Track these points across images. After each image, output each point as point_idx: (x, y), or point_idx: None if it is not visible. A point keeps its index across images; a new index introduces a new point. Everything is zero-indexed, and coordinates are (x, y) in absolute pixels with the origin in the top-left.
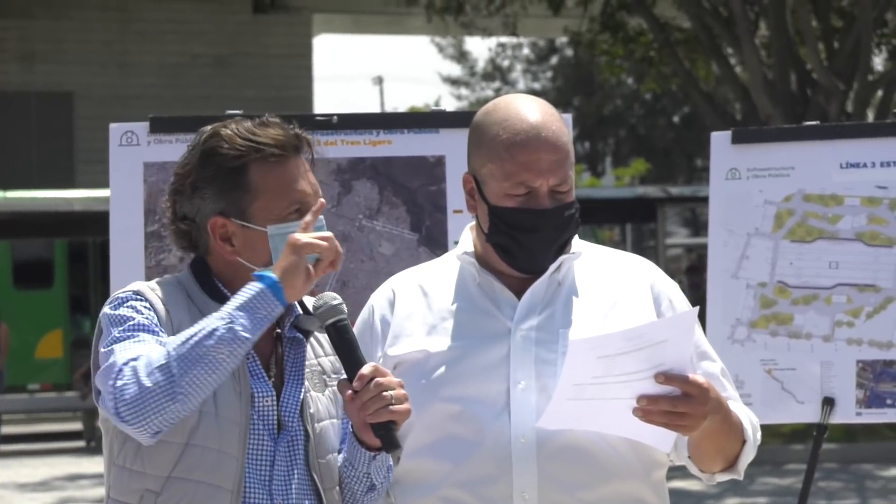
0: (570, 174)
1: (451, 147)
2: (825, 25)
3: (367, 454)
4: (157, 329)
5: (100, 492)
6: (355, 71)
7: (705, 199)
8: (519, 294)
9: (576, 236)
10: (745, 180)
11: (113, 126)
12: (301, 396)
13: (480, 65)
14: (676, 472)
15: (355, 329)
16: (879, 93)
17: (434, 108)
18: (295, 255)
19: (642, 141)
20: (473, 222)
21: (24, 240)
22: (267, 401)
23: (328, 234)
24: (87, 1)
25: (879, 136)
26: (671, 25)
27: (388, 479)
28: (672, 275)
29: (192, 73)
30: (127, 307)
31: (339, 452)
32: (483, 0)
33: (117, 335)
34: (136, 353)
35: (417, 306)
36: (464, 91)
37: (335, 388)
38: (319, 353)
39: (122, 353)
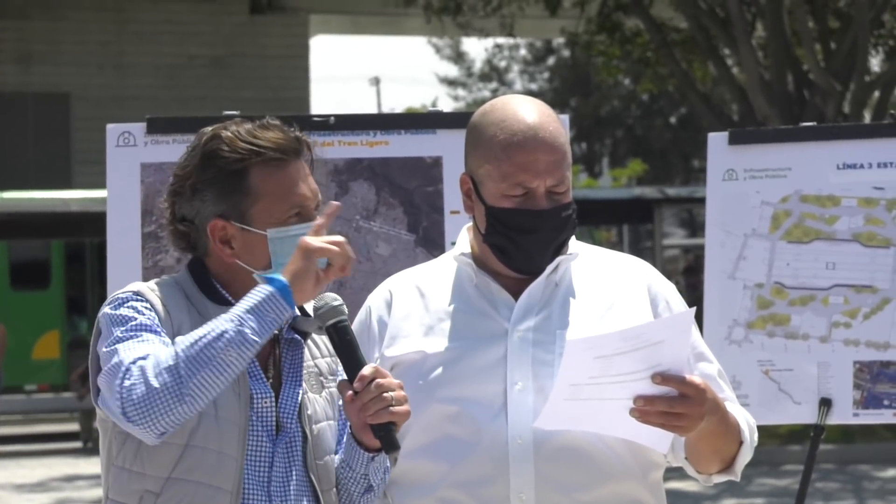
0: (567, 175)
1: (449, 148)
2: (822, 26)
3: (365, 455)
4: (158, 329)
5: (97, 492)
6: (352, 72)
7: (702, 200)
8: (516, 295)
9: (573, 237)
10: (742, 181)
11: (110, 127)
12: (299, 398)
13: (477, 65)
14: (673, 473)
15: (352, 329)
16: (876, 94)
17: (431, 108)
18: (305, 259)
19: (639, 142)
20: (470, 223)
21: (20, 240)
22: (266, 402)
23: (340, 238)
24: (84, 2)
25: (876, 136)
26: (668, 26)
27: (385, 481)
28: (669, 276)
29: (188, 74)
30: (128, 307)
31: (336, 454)
32: (480, 1)
33: (120, 335)
34: (143, 352)
35: (414, 307)
36: (461, 92)
37: (332, 389)
38: (316, 354)
39: (127, 352)
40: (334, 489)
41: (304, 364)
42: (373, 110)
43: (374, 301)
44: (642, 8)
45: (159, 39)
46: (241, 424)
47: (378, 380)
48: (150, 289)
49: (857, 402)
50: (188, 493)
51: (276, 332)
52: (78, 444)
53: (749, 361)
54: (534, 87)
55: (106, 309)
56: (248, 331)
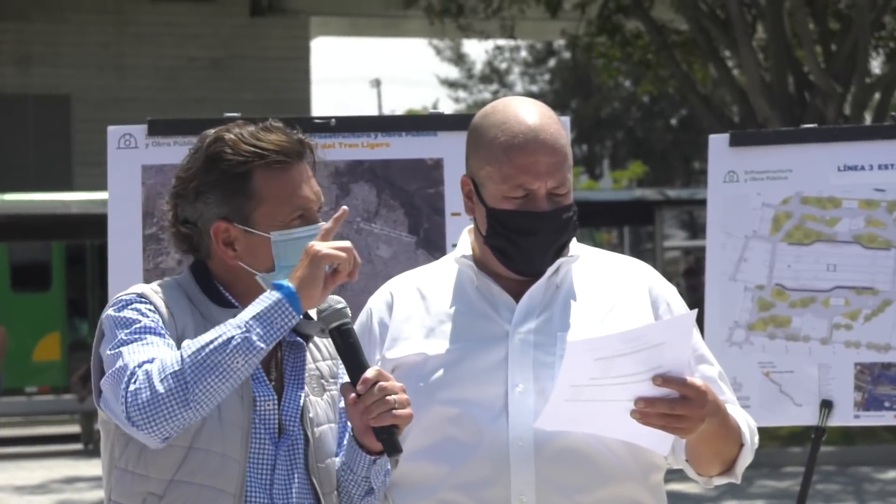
0: (568, 177)
1: (450, 150)
2: (822, 28)
3: (367, 458)
4: (163, 332)
5: (98, 494)
6: (353, 73)
7: (703, 202)
8: (517, 297)
9: (573, 239)
10: (743, 183)
11: (111, 129)
12: (302, 401)
13: (478, 67)
14: (674, 475)
15: None
16: (877, 95)
17: (432, 110)
18: (313, 265)
19: (640, 143)
20: (471, 225)
21: (21, 242)
22: (268, 405)
23: (347, 244)
24: (84, 4)
25: (877, 138)
26: (668, 28)
27: (386, 483)
28: (670, 277)
29: (188, 76)
30: (131, 309)
31: (337, 457)
32: (481, 3)
33: (124, 337)
34: (148, 356)
35: (415, 309)
36: (461, 93)
37: (333, 392)
38: (317, 357)
39: (132, 356)
40: (335, 492)
41: (306, 367)
42: (373, 112)
43: (375, 303)
44: (643, 10)
45: (159, 41)
46: (244, 427)
47: (381, 383)
48: (154, 291)
49: (857, 403)
50: (191, 495)
51: None
52: (79, 446)
53: (750, 363)
54: (534, 88)
55: (109, 311)
56: (254, 337)
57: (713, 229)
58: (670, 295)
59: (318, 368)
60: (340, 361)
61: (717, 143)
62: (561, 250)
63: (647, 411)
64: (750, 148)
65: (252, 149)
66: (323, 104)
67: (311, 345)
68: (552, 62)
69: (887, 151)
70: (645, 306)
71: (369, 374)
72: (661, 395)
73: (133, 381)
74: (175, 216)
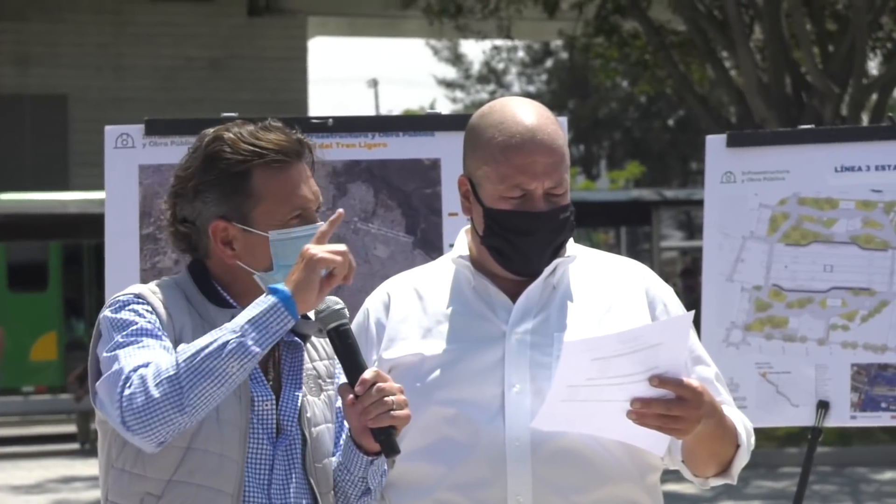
0: (565, 177)
1: (447, 150)
2: (820, 29)
3: (364, 459)
4: (160, 333)
5: (94, 494)
6: (350, 73)
7: (700, 203)
8: (514, 297)
9: (570, 239)
10: (740, 183)
11: (108, 128)
12: (299, 401)
13: (475, 68)
14: (670, 475)
15: None
16: (874, 96)
17: (429, 110)
18: (309, 269)
19: (637, 144)
20: (468, 225)
21: (18, 242)
22: (266, 404)
23: (342, 248)
24: (82, 4)
25: (874, 139)
26: (666, 29)
27: (382, 483)
28: (667, 278)
29: (186, 76)
30: (129, 311)
31: (333, 456)
32: (478, 3)
33: (121, 340)
34: (144, 359)
35: (412, 310)
36: (458, 94)
37: (330, 392)
38: (314, 357)
39: (127, 359)
40: (332, 492)
41: (304, 367)
42: (370, 112)
43: (372, 303)
44: (640, 10)
45: (157, 41)
46: (242, 427)
47: (379, 384)
48: (152, 291)
49: (854, 404)
50: (189, 495)
51: None
52: (75, 446)
53: (747, 364)
54: (532, 89)
55: (106, 312)
56: (249, 342)
57: (710, 230)
58: (667, 296)
59: (315, 368)
60: (337, 361)
61: (715, 143)
62: (558, 251)
63: (644, 412)
64: (747, 149)
65: (251, 148)
66: (320, 104)
67: (308, 345)
68: (549, 62)
69: (884, 152)
70: (642, 307)
71: (367, 375)
72: (657, 396)
73: (128, 385)
74: (173, 215)
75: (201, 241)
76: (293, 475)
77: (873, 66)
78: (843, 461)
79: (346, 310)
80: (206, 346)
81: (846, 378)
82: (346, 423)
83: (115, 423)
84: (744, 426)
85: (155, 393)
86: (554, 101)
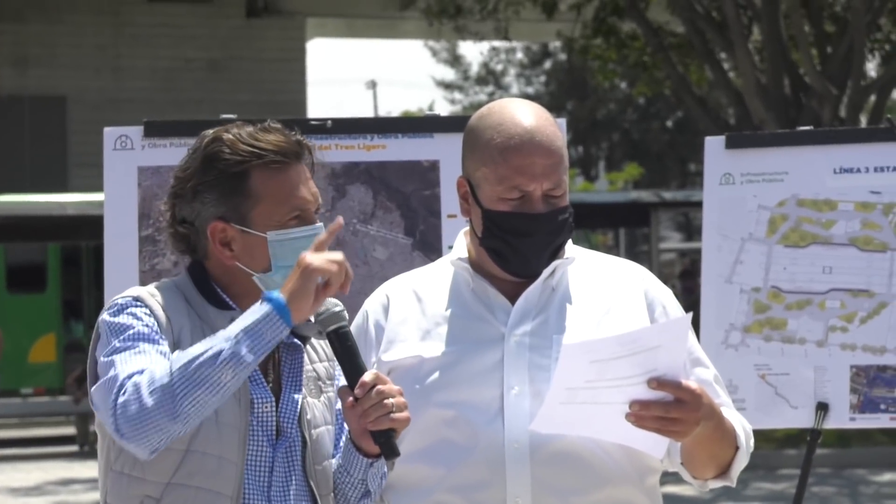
0: (563, 178)
1: (446, 152)
2: (818, 30)
3: (364, 461)
4: (157, 337)
5: (93, 496)
6: (349, 75)
7: (698, 204)
8: (513, 299)
9: (569, 241)
10: (739, 185)
11: (107, 130)
12: (299, 403)
13: (474, 69)
14: (669, 477)
15: None
16: (872, 98)
17: (428, 112)
18: (304, 278)
19: (636, 145)
20: (467, 227)
21: (17, 244)
22: (266, 406)
23: (339, 257)
24: (80, 5)
25: (873, 141)
26: (664, 30)
27: (382, 486)
28: (665, 279)
29: (185, 77)
30: (127, 314)
31: (333, 458)
32: (477, 4)
33: (117, 345)
34: (139, 366)
35: (411, 312)
36: (457, 95)
37: (330, 394)
38: (314, 358)
39: (123, 365)
40: (332, 494)
41: (304, 368)
42: (369, 114)
43: (371, 305)
44: (638, 12)
45: (156, 42)
46: (242, 429)
47: (379, 386)
48: (150, 293)
49: (853, 406)
50: (188, 498)
51: None
52: (74, 448)
53: (746, 365)
54: (530, 90)
55: (105, 315)
56: (243, 351)
57: (709, 231)
58: (666, 298)
59: (315, 370)
60: (337, 363)
61: (713, 145)
62: (556, 252)
63: (642, 414)
64: (746, 150)
65: (250, 149)
66: (319, 105)
67: (308, 347)
68: (548, 64)
69: (883, 154)
70: (641, 309)
71: (367, 377)
72: (656, 399)
73: (122, 392)
74: (173, 216)
75: (200, 243)
76: (293, 477)
77: (872, 68)
78: (842, 463)
79: (345, 312)
80: (201, 355)
81: (845, 380)
82: (346, 425)
83: (110, 430)
84: (743, 428)
85: (148, 401)
86: (552, 103)
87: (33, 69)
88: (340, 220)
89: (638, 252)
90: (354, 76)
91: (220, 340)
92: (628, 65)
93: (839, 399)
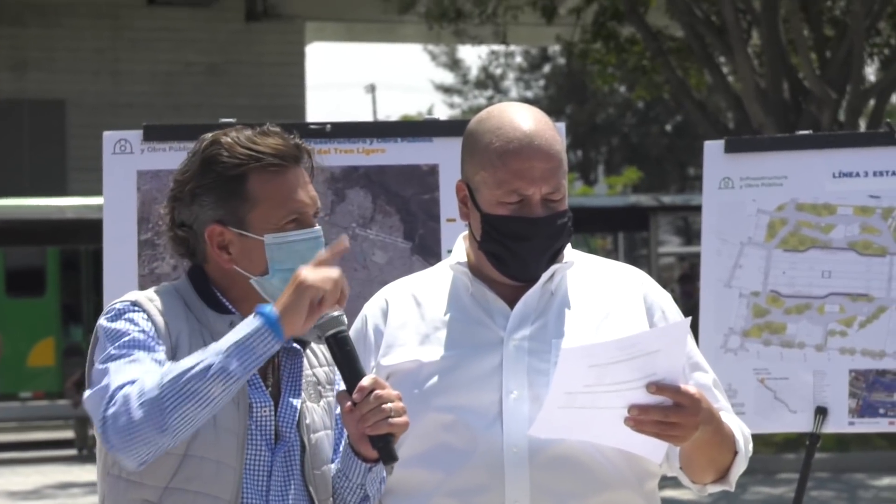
0: (562, 182)
1: (445, 156)
2: (818, 35)
3: (362, 466)
4: (153, 343)
5: (92, 500)
6: (348, 79)
7: (698, 208)
8: (512, 304)
9: (568, 245)
10: (738, 189)
11: (106, 134)
12: (298, 407)
13: (473, 73)
14: (668, 481)
15: None
16: (872, 102)
17: (427, 116)
18: (298, 294)
19: (635, 149)
20: (466, 231)
21: (16, 247)
22: (265, 411)
23: (335, 274)
24: (79, 9)
25: (872, 145)
26: (664, 34)
27: (381, 490)
28: (664, 284)
29: (184, 81)
30: (124, 319)
31: (333, 463)
32: (476, 8)
33: (112, 352)
34: (130, 376)
35: (410, 316)
36: (456, 99)
37: (329, 398)
38: (314, 363)
39: (115, 375)
40: (331, 499)
41: (303, 373)
42: (368, 117)
43: (371, 310)
44: (638, 16)
45: (155, 46)
46: (240, 433)
47: (377, 391)
48: (149, 298)
49: (852, 410)
50: (187, 502)
51: None
52: (73, 452)
53: (745, 369)
54: (529, 94)
55: (102, 320)
56: (233, 366)
57: (708, 235)
58: (665, 302)
59: (314, 375)
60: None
61: (713, 149)
62: (555, 256)
63: (641, 419)
64: (745, 154)
65: (247, 152)
66: (318, 109)
67: (307, 351)
68: (547, 68)
69: (882, 158)
70: (640, 313)
71: (365, 382)
72: (654, 403)
73: (112, 404)
74: (172, 219)
75: (199, 246)
76: (292, 482)
77: (871, 72)
78: (840, 467)
79: (344, 316)
80: (191, 368)
81: (844, 384)
82: (345, 430)
83: (100, 440)
84: (742, 433)
85: (137, 414)
86: (551, 107)
87: (32, 73)
88: (345, 241)
89: (637, 256)
90: (353, 80)
91: (210, 354)
92: (627, 69)
93: (838, 403)
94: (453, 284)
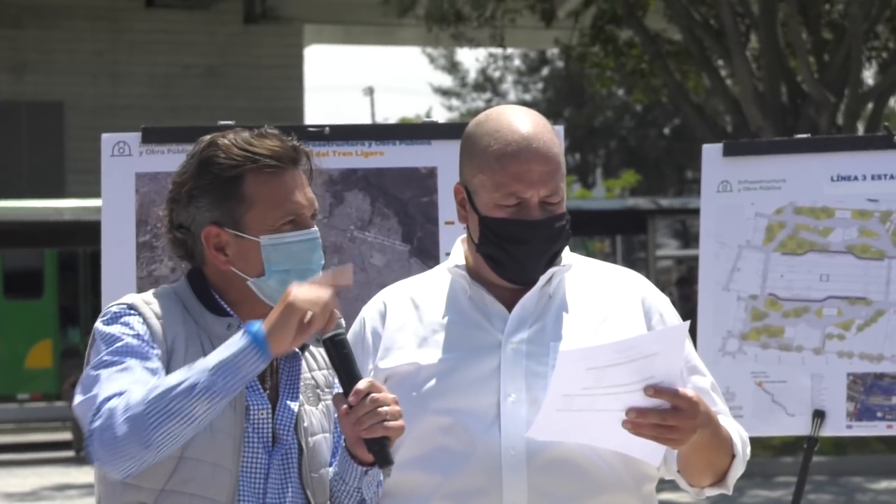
0: (560, 185)
1: (443, 158)
2: (816, 38)
3: (359, 469)
4: (146, 350)
5: (89, 502)
6: (346, 81)
7: (695, 211)
8: (510, 307)
9: (566, 248)
10: (737, 193)
11: (105, 136)
12: (296, 410)
13: (471, 76)
14: (666, 484)
15: None
16: (870, 105)
17: (426, 119)
18: (286, 313)
19: (633, 152)
20: (465, 235)
21: (14, 249)
22: (262, 413)
23: (326, 296)
24: (78, 11)
25: (870, 148)
26: (662, 38)
27: (379, 494)
28: (662, 287)
29: (182, 84)
30: (120, 323)
31: (331, 466)
32: (474, 11)
33: (105, 358)
34: (119, 387)
35: (409, 319)
36: (454, 102)
37: (328, 402)
38: (313, 366)
39: (105, 383)
40: (328, 502)
41: (302, 376)
42: (366, 120)
43: (369, 312)
44: (636, 19)
45: (153, 49)
46: (237, 436)
47: (373, 394)
48: (145, 301)
49: (850, 413)
50: None
51: None
52: (70, 454)
53: (743, 373)
54: (528, 97)
55: (98, 323)
56: (218, 385)
57: (706, 239)
58: (663, 306)
59: (313, 378)
60: None
61: (711, 152)
62: (553, 259)
63: (639, 422)
64: (743, 158)
65: (244, 153)
66: (316, 112)
67: (307, 354)
68: (545, 71)
69: (880, 162)
70: (638, 317)
71: (361, 385)
72: (652, 406)
73: (98, 417)
74: (171, 221)
75: (197, 248)
76: (289, 485)
77: (869, 76)
78: (838, 470)
79: (342, 319)
80: (177, 386)
81: (842, 387)
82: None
83: (88, 449)
84: (739, 436)
85: (121, 430)
86: (550, 110)
87: (30, 75)
88: (349, 274)
89: (635, 259)
90: (352, 83)
91: (196, 371)
92: (626, 72)
93: (836, 407)
94: (451, 287)
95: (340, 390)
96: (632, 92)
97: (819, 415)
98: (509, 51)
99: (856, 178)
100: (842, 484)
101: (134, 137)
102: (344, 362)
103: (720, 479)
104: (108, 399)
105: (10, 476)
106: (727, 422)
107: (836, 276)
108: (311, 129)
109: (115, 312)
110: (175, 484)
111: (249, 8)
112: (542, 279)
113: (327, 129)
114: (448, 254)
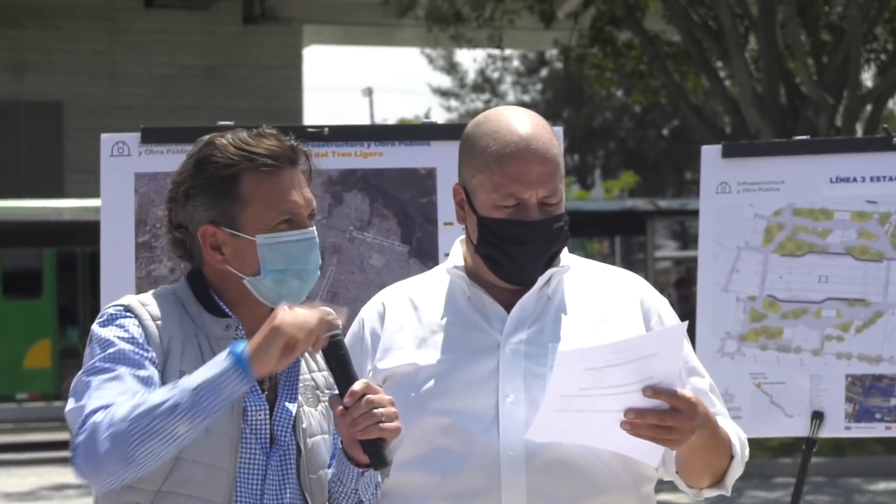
0: (559, 186)
1: (443, 159)
2: (815, 40)
3: (355, 470)
4: (139, 356)
5: (87, 501)
6: (345, 82)
7: (694, 213)
8: (508, 308)
9: (565, 249)
10: (736, 194)
11: (104, 136)
12: (294, 411)
13: (470, 77)
14: (664, 485)
15: (345, 342)
16: (868, 107)
17: (425, 120)
18: (270, 338)
19: (632, 153)
20: (464, 235)
21: (12, 249)
22: (260, 414)
23: (312, 322)
24: (77, 11)
25: (869, 150)
26: (661, 39)
27: (376, 496)
28: (661, 288)
29: (181, 84)
30: (115, 326)
31: (329, 468)
32: (473, 12)
33: (97, 364)
34: (107, 399)
35: (407, 320)
36: (453, 103)
37: (327, 403)
38: (313, 367)
39: (94, 393)
40: (327, 503)
41: (301, 377)
42: (365, 121)
43: (367, 313)
44: (635, 21)
45: (152, 49)
46: (234, 437)
47: (369, 395)
48: (143, 303)
49: (848, 415)
50: None
51: None
52: (68, 454)
53: (741, 374)
54: (526, 98)
55: (95, 325)
56: (199, 406)
57: (705, 240)
58: (662, 307)
59: (313, 379)
60: None
61: (710, 154)
62: (552, 260)
63: (638, 422)
64: (742, 159)
65: (240, 152)
66: (315, 112)
67: (306, 355)
68: (544, 72)
69: (879, 163)
70: (636, 318)
71: (357, 386)
72: (651, 407)
73: (82, 431)
74: (170, 221)
75: (195, 248)
76: (287, 486)
77: (868, 78)
78: (837, 472)
79: (338, 320)
80: (160, 405)
81: (841, 389)
82: None
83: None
84: (738, 437)
85: (103, 446)
86: (549, 111)
87: (30, 75)
88: (343, 318)
89: (634, 260)
90: (351, 83)
91: (179, 391)
92: (625, 73)
93: (834, 408)
94: (450, 288)
95: (337, 391)
96: (631, 93)
97: (818, 416)
98: (508, 52)
99: (855, 180)
100: (840, 485)
101: (133, 137)
102: (340, 363)
103: (719, 480)
104: (94, 412)
105: (8, 476)
106: (726, 423)
107: (835, 277)
108: (310, 129)
109: (111, 314)
110: (172, 485)
111: (249, 8)
112: (541, 280)
113: (326, 129)
114: (447, 254)
